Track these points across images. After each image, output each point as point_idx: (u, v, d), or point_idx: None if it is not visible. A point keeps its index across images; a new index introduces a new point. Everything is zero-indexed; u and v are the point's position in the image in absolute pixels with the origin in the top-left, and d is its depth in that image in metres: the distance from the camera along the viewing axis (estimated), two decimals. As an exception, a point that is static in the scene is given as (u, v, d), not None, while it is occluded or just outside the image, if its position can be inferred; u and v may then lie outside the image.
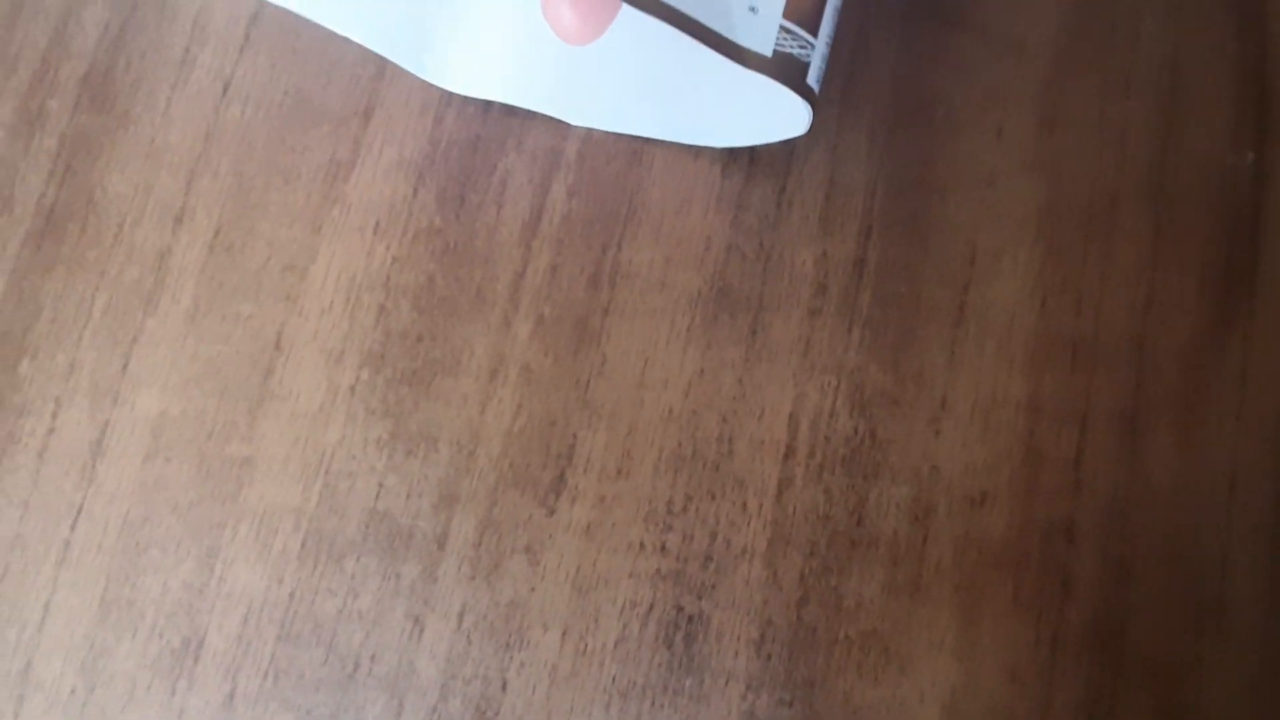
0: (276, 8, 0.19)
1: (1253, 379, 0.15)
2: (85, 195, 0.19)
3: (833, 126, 0.17)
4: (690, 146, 0.17)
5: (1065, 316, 0.16)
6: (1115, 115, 0.16)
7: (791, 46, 0.13)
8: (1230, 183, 0.16)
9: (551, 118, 0.18)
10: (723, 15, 0.13)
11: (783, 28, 0.13)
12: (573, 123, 0.17)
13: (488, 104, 0.18)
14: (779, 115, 0.15)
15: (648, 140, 0.17)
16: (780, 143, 0.17)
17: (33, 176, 0.19)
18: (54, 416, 0.17)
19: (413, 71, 0.18)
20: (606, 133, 0.18)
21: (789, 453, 0.16)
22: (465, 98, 0.18)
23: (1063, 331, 0.16)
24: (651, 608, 0.15)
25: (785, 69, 0.13)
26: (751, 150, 0.17)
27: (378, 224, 0.18)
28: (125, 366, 0.18)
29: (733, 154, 0.17)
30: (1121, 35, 0.17)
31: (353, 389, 0.17)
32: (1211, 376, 0.15)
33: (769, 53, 0.13)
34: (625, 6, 0.13)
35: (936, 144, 0.17)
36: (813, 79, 0.14)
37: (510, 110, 0.18)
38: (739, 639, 0.15)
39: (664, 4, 0.13)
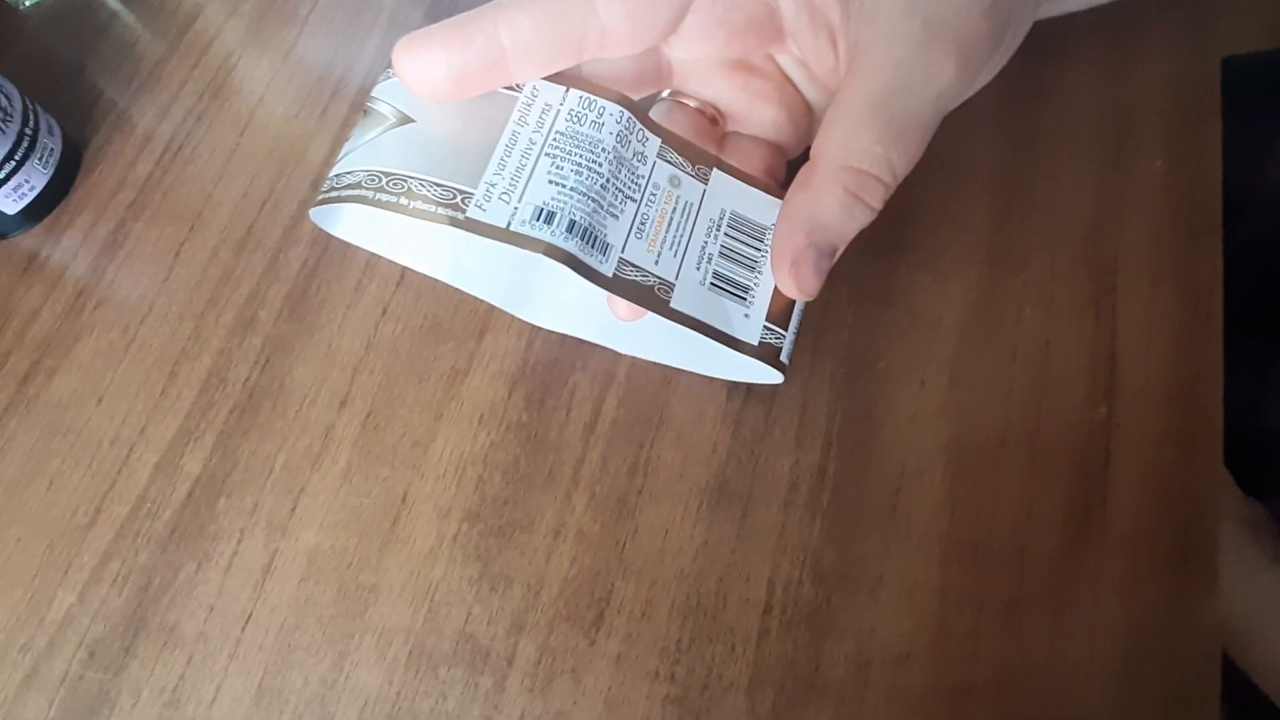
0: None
1: (1104, 578, 0.21)
2: (278, 381, 0.26)
3: (805, 371, 0.24)
4: (704, 377, 0.24)
5: (967, 523, 0.22)
6: (1004, 377, 0.23)
7: (770, 338, 0.21)
8: (1088, 430, 0.23)
9: (608, 348, 0.25)
10: (724, 319, 0.20)
11: (765, 326, 0.21)
12: (621, 352, 0.25)
13: (564, 336, 0.26)
14: (762, 371, 0.22)
15: (675, 370, 0.25)
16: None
17: (242, 365, 0.27)
18: (238, 543, 0.24)
19: (511, 313, 0.25)
20: (647, 361, 0.25)
21: (767, 610, 0.21)
22: (549, 331, 0.26)
23: (965, 535, 0.22)
24: (661, 724, 0.21)
25: (766, 353, 0.21)
26: (748, 383, 0.24)
27: (481, 416, 0.25)
28: (294, 509, 0.24)
29: (734, 384, 0.24)
30: (1009, 319, 0.24)
31: (454, 538, 0.23)
32: (1074, 576, 0.21)
33: (755, 343, 0.21)
34: None
35: (877, 389, 0.24)
36: (784, 356, 0.21)
37: (580, 340, 0.25)
38: (724, 754, 0.20)
39: (684, 314, 0.20)
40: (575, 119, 0.20)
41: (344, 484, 0.24)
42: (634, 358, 0.25)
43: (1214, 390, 0.23)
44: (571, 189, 0.19)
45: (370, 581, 0.23)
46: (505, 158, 0.19)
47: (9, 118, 0.29)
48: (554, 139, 0.20)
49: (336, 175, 0.20)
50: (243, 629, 0.23)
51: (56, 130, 0.31)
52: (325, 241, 0.29)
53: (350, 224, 0.22)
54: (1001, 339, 0.24)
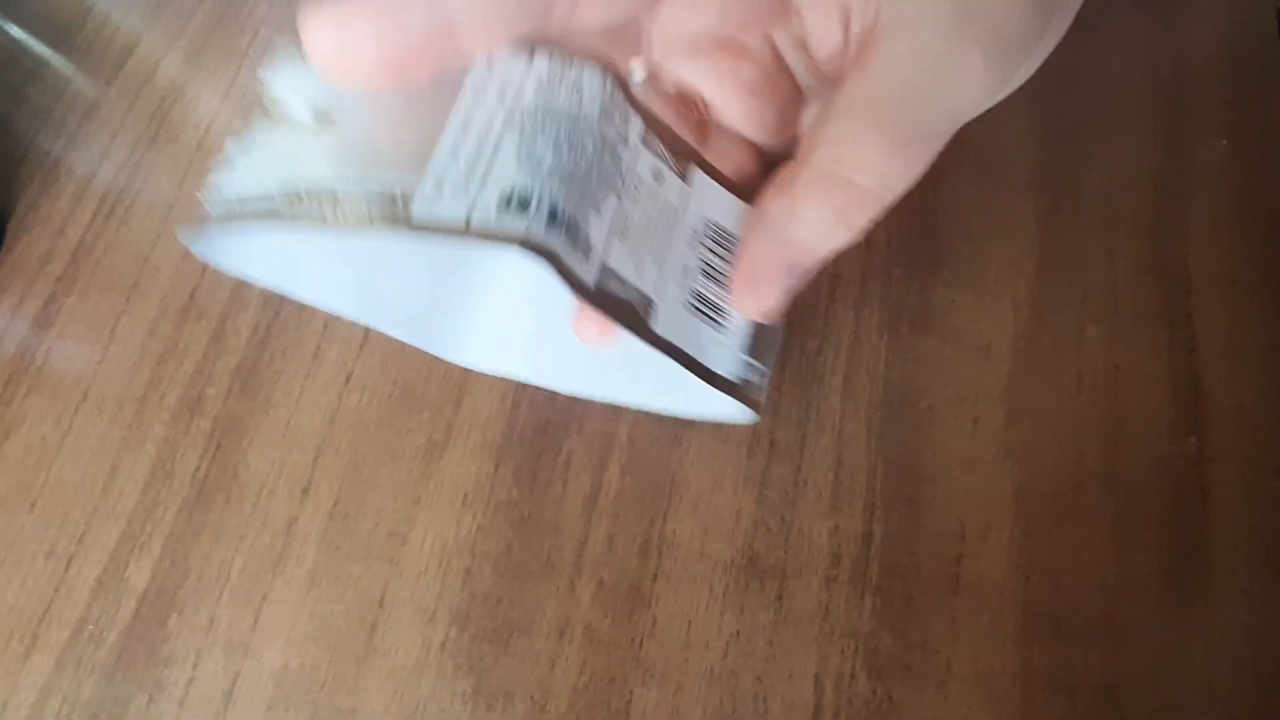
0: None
1: (1216, 647, 0.17)
2: (231, 470, 0.23)
3: (837, 416, 0.21)
4: (720, 433, 0.21)
5: (1046, 591, 0.18)
6: (1069, 410, 0.20)
7: (750, 374, 0.17)
8: (1177, 467, 0.19)
9: (609, 405, 0.22)
10: (700, 348, 0.17)
11: (745, 360, 0.17)
12: (565, 393, 0.21)
13: (554, 393, 0.22)
14: (735, 410, 0.18)
15: (686, 425, 0.21)
16: (794, 429, 0.21)
17: (190, 453, 0.24)
18: (194, 667, 0.21)
19: (436, 355, 0.21)
20: (652, 419, 0.22)
21: (816, 713, 0.18)
22: (538, 388, 0.23)
23: (1045, 605, 0.18)
24: None
25: (746, 390, 0.17)
26: (771, 435, 0.21)
27: (466, 496, 0.22)
28: (255, 623, 0.21)
29: (755, 439, 0.21)
30: (1068, 341, 0.21)
31: (443, 645, 0.20)
32: (1180, 647, 0.18)
33: (735, 378, 0.17)
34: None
35: (922, 433, 0.20)
36: (762, 395, 0.17)
37: (574, 399, 0.22)
38: None
39: (663, 340, 0.16)
40: (548, 89, 0.16)
41: (311, 589, 0.21)
42: (638, 413, 0.22)
43: (1318, 407, 0.19)
44: (550, 170, 0.15)
45: (348, 705, 0.20)
46: (459, 144, 0.15)
47: (-87, 190, 0.26)
48: (522, 115, 0.15)
49: (233, 191, 0.15)
50: (203, 773, 0.20)
51: (-27, 199, 0.28)
52: (278, 303, 0.25)
53: (236, 250, 0.18)
54: (1063, 364, 0.20)
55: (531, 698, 0.19)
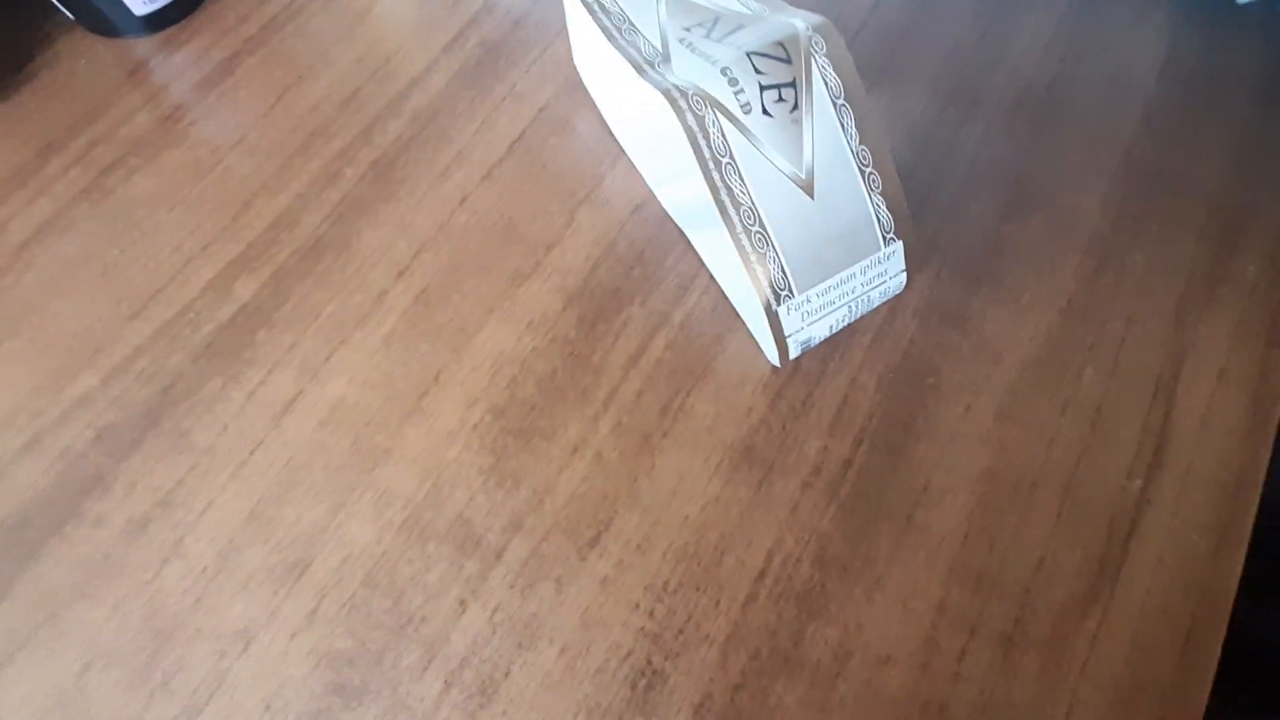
0: (518, 158, 0.28)
1: (1101, 643, 0.21)
2: (345, 237, 0.27)
3: (855, 365, 0.24)
4: (755, 345, 0.24)
5: (981, 552, 0.21)
6: (1050, 425, 0.23)
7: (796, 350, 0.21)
8: (1120, 498, 0.22)
9: (671, 294, 0.25)
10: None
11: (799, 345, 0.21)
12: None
13: (631, 265, 0.26)
14: (770, 348, 0.23)
15: (730, 330, 0.25)
16: (819, 363, 0.24)
17: (316, 213, 0.27)
18: (268, 374, 0.24)
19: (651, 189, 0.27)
20: (704, 312, 0.25)
21: (761, 576, 0.21)
22: (619, 256, 0.26)
23: (975, 561, 0.21)
24: (629, 654, 0.20)
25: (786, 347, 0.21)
26: (798, 360, 0.24)
27: (531, 322, 0.25)
28: (329, 358, 0.25)
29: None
30: (1068, 374, 0.24)
31: (476, 427, 0.23)
32: (1073, 632, 0.21)
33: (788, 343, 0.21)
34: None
35: (922, 402, 0.23)
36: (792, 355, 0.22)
37: (646, 276, 0.26)
38: (684, 700, 0.20)
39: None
40: None
41: (383, 348, 0.25)
42: (695, 304, 0.25)
43: (1252, 495, 0.23)
44: None
45: (385, 444, 0.23)
46: None
47: (163, -76, 0.29)
48: None
49: None
50: (251, 453, 0.23)
51: (201, -49, 0.32)
52: (424, 122, 0.29)
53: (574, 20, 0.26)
54: (1058, 389, 0.24)
55: (535, 489, 0.22)
